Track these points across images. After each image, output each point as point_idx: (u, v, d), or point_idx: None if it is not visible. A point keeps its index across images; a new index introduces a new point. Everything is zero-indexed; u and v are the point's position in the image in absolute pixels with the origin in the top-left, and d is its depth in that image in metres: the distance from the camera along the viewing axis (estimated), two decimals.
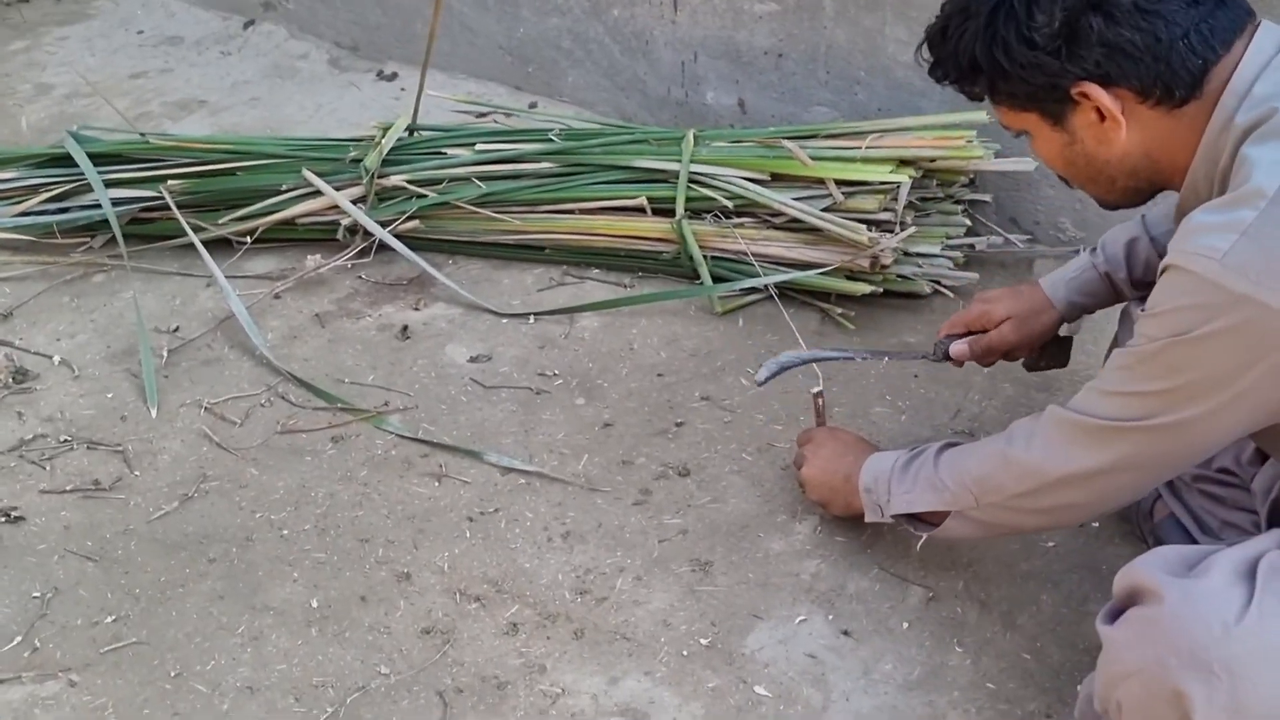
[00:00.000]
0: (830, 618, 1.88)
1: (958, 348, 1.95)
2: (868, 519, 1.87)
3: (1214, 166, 1.42)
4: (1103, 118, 1.45)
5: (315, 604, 1.95)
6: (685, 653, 1.84)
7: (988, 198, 2.56)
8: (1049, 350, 1.98)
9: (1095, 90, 1.42)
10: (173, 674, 1.84)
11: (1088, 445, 1.51)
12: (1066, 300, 1.93)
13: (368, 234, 2.67)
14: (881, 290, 2.43)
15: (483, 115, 3.17)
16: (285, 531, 2.08)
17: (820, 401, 2.04)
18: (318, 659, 1.86)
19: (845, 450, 1.94)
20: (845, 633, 1.86)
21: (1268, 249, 1.28)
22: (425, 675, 1.82)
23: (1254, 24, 1.43)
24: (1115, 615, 1.45)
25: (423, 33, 3.36)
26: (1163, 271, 1.39)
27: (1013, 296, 1.95)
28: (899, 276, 2.45)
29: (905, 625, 1.87)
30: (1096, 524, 2.00)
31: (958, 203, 2.52)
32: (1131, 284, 1.89)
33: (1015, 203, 2.55)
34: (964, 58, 1.49)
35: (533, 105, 3.22)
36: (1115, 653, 1.40)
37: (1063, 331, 1.98)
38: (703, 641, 1.86)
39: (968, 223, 2.51)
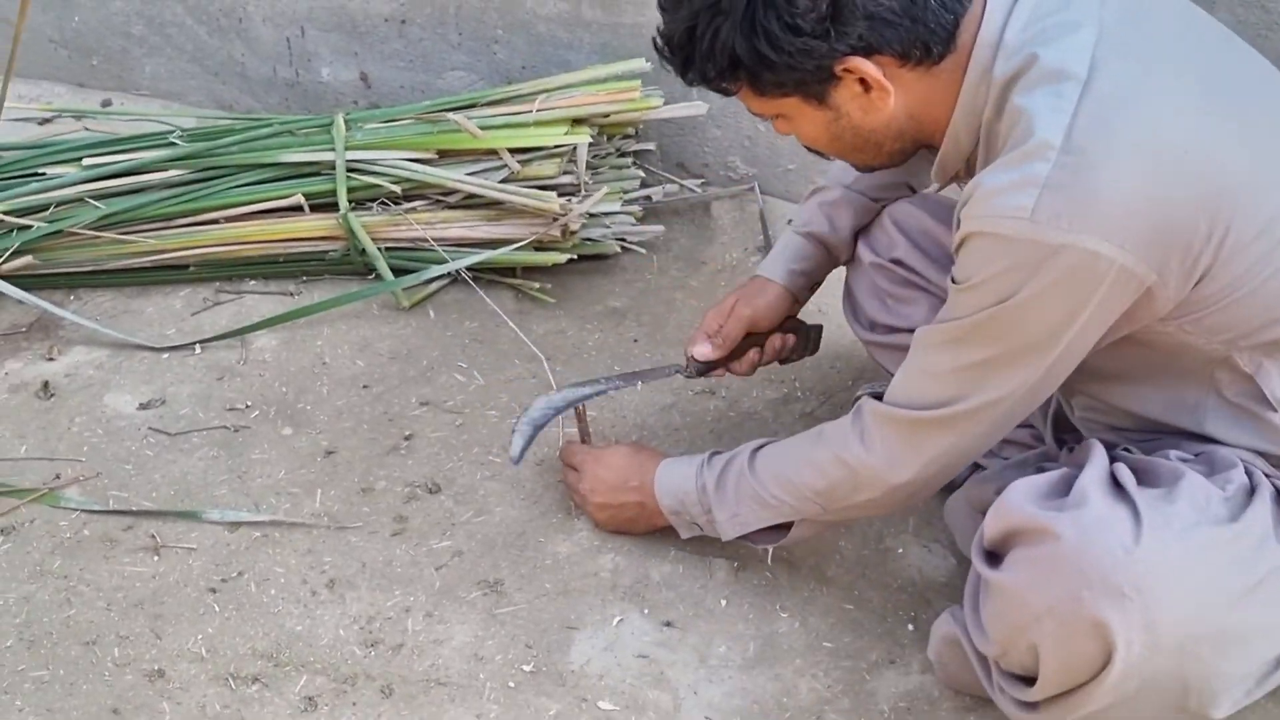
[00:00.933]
0: (646, 611, 1.80)
1: (700, 348, 1.88)
2: (684, 536, 1.83)
3: (976, 118, 1.44)
4: (867, 88, 1.43)
5: None
6: (511, 684, 1.70)
7: (652, 146, 2.51)
8: (797, 339, 1.96)
9: (860, 63, 1.40)
10: None
11: (931, 436, 1.53)
12: (785, 270, 1.92)
13: None
14: (575, 256, 2.35)
15: (46, 121, 2.79)
16: None
17: (581, 408, 1.94)
18: None
19: (623, 473, 1.86)
20: (667, 624, 1.78)
21: (1071, 196, 1.31)
22: None
23: None
24: (991, 558, 1.47)
25: None
26: (964, 241, 1.40)
27: (738, 288, 1.93)
28: (587, 240, 2.37)
29: (723, 603, 1.81)
30: None
31: (624, 155, 2.46)
32: (839, 238, 1.92)
33: (681, 148, 2.52)
34: (722, 56, 1.42)
35: (106, 103, 2.85)
36: (1018, 597, 1.41)
37: (807, 319, 1.98)
38: (525, 668, 1.72)
39: (641, 174, 2.46)
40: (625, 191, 2.41)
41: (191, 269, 2.37)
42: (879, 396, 1.57)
